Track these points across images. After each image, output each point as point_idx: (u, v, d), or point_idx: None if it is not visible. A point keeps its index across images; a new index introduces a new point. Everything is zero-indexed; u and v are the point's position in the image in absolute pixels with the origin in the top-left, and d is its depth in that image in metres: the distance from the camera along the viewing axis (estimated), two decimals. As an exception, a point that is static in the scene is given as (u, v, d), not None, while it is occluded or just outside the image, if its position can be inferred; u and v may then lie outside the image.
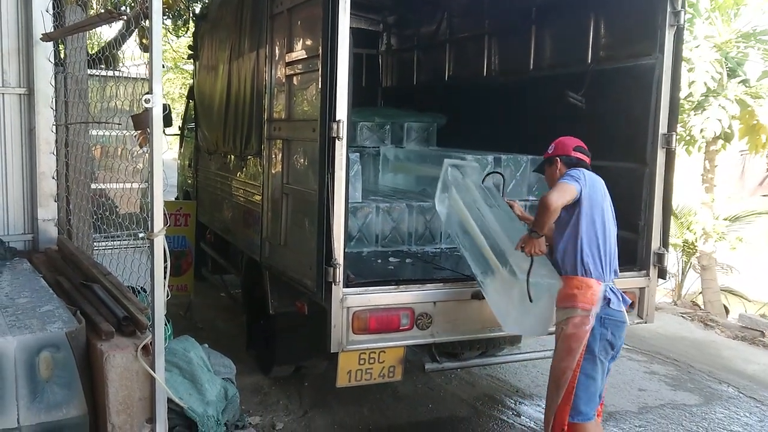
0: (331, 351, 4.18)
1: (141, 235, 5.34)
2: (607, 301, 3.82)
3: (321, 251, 4.08)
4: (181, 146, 9.65)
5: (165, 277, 2.84)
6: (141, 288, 4.01)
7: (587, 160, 4.11)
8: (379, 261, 5.05)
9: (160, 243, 2.79)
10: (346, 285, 4.14)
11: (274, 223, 5.05)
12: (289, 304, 5.05)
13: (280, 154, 4.95)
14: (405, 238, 5.41)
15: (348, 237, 4.31)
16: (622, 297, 3.92)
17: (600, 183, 3.99)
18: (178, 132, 9.62)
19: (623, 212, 4.35)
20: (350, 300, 4.14)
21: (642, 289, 4.86)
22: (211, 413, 3.43)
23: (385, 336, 4.28)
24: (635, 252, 4.87)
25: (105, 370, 2.79)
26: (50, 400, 2.89)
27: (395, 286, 4.28)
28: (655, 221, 4.79)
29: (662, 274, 4.91)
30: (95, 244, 4.89)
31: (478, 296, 4.35)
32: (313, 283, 4.19)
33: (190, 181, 8.74)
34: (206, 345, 3.92)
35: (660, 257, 4.80)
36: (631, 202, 4.82)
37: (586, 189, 3.84)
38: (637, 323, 4.93)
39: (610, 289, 3.87)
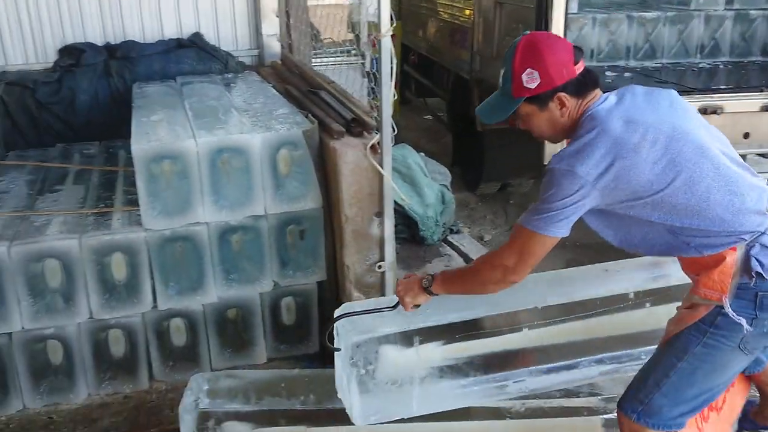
0: (545, 164, 4.15)
1: (353, 51, 5.51)
2: None
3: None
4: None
5: (391, 78, 2.90)
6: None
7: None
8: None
9: (387, 43, 2.83)
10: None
11: (486, 37, 4.94)
12: (499, 120, 5.03)
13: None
14: (623, 52, 5.08)
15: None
16: None
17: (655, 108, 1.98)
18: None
19: None
20: (566, 113, 4.03)
21: None
22: (431, 214, 3.62)
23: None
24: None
25: (338, 166, 2.99)
26: (290, 193, 3.18)
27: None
28: None
29: None
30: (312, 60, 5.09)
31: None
32: (529, 94, 4.11)
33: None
34: (422, 153, 4.06)
35: None
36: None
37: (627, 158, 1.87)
38: None
39: None
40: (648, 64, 5.12)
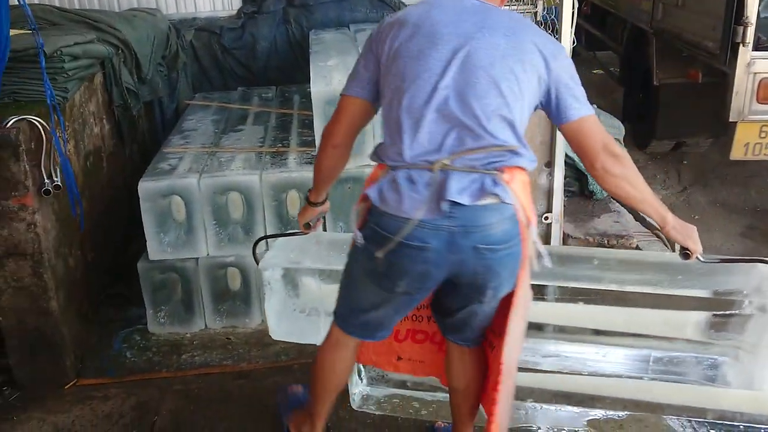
0: (729, 120, 3.87)
1: None
2: None
3: (731, 6, 3.64)
4: None
5: (571, 26, 2.81)
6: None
7: None
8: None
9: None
10: (756, 47, 3.69)
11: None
12: (678, 73, 4.74)
13: None
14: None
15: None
16: None
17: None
18: None
19: None
20: (758, 65, 3.71)
21: None
22: (600, 168, 3.49)
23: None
24: None
25: (510, 114, 2.95)
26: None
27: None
28: None
29: None
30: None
31: None
32: (716, 44, 3.82)
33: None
34: (595, 105, 3.91)
35: None
36: None
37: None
38: None
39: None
40: None
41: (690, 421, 2.45)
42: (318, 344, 2.28)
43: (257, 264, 2.51)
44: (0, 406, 2.90)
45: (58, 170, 2.81)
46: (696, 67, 4.44)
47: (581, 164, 3.44)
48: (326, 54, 3.67)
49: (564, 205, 3.13)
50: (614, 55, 6.80)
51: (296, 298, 2.54)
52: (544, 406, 2.48)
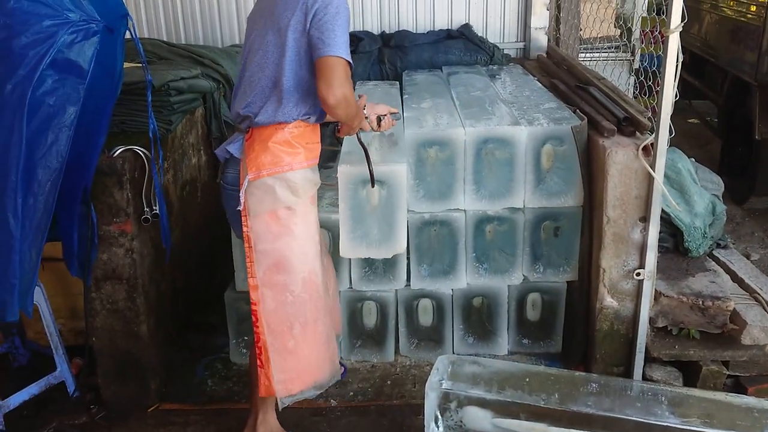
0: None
1: (621, 46, 5.27)
2: None
3: None
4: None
5: (675, 77, 2.73)
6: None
7: None
8: None
9: (675, 40, 2.67)
10: None
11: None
12: (783, 127, 4.54)
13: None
14: None
15: None
16: None
17: None
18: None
19: None
20: None
21: None
22: (698, 225, 3.36)
23: None
24: None
25: (606, 166, 2.88)
26: (551, 188, 3.13)
27: None
28: None
29: None
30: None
31: None
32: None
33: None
34: (693, 159, 3.79)
35: None
36: None
37: None
38: None
39: None
40: None
41: None
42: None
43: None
44: (86, 424, 3.00)
45: (157, 199, 2.92)
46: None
47: (677, 219, 3.34)
48: (419, 96, 3.70)
49: (656, 261, 3.02)
50: (711, 104, 6.58)
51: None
52: None
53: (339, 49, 2.26)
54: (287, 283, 2.46)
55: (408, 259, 3.23)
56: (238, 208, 2.41)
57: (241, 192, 2.38)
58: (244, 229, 2.44)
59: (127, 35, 2.79)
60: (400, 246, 2.96)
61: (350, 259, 3.17)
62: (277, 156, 2.37)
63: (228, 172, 2.52)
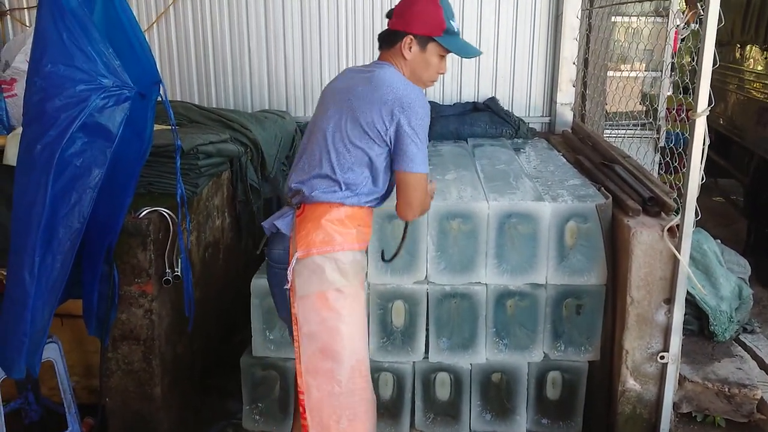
0: None
1: (647, 124, 5.29)
2: None
3: None
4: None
5: (701, 161, 2.73)
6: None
7: None
8: None
9: (702, 123, 2.68)
10: None
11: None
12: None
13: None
14: None
15: None
16: None
17: None
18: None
19: None
20: None
21: None
22: (724, 309, 3.30)
23: None
24: None
25: (631, 246, 2.86)
26: (574, 266, 3.10)
27: None
28: None
29: None
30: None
31: None
32: None
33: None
34: (719, 240, 3.74)
35: None
36: None
37: None
38: None
39: None
40: None
41: None
42: None
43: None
44: (94, 486, 2.94)
45: (179, 261, 2.93)
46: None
47: (702, 302, 3.28)
48: (444, 167, 3.72)
49: (681, 345, 2.96)
50: (737, 183, 6.54)
51: None
52: None
53: (420, 165, 2.22)
54: (334, 371, 2.30)
55: (427, 330, 3.20)
56: (286, 287, 2.30)
57: (289, 270, 2.27)
58: (292, 309, 2.31)
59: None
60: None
61: (368, 328, 3.13)
62: (329, 234, 2.26)
63: (274, 249, 2.40)
